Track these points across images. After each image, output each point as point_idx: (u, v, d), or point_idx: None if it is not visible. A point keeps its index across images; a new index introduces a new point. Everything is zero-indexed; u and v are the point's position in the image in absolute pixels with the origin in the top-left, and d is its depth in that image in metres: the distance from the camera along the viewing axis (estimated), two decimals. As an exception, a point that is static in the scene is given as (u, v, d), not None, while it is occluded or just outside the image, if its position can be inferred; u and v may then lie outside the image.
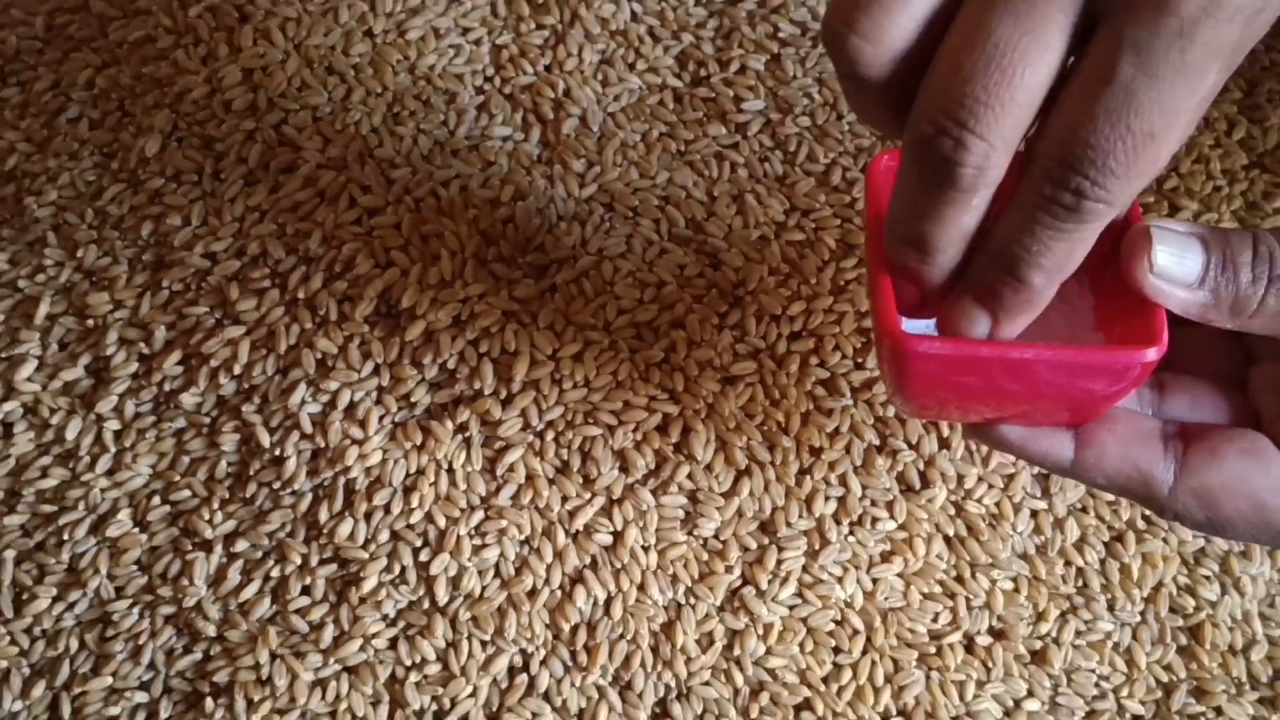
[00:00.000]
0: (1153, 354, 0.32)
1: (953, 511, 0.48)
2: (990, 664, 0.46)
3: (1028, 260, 0.30)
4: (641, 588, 0.46)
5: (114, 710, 0.45)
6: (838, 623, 0.46)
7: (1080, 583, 0.48)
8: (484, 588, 0.46)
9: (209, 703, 0.44)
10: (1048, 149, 0.28)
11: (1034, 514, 0.48)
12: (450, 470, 0.47)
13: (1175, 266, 0.31)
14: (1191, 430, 0.35)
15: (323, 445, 0.47)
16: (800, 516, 0.47)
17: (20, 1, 0.56)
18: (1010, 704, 0.46)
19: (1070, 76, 0.28)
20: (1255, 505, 0.34)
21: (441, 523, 0.46)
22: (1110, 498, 0.48)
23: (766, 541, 0.47)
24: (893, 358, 0.33)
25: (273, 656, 0.45)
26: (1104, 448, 0.35)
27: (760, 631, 0.46)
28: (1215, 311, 0.32)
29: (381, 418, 0.48)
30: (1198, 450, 0.34)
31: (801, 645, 0.46)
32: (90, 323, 0.50)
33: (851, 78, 0.29)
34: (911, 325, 0.34)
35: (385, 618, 0.45)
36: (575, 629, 0.45)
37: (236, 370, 0.48)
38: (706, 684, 0.45)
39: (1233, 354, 0.37)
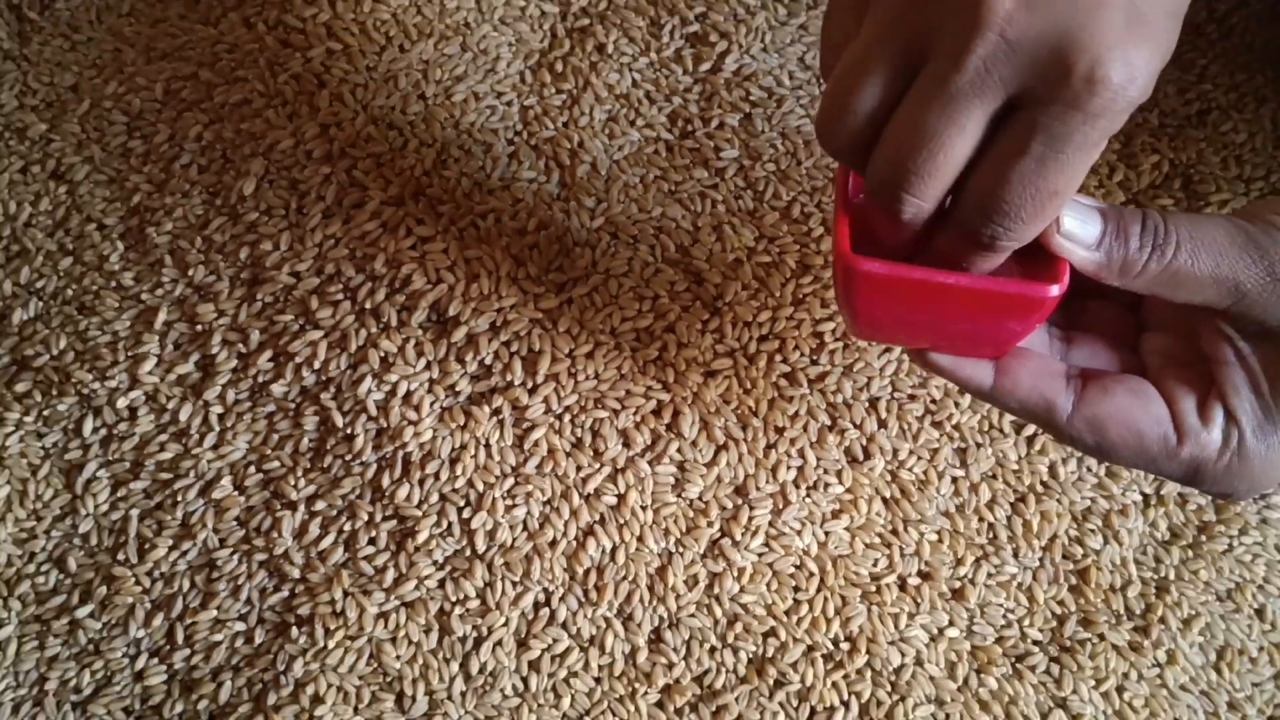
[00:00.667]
0: (1055, 290, 0.31)
1: (889, 478, 0.48)
2: (919, 600, 0.46)
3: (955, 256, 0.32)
4: (640, 539, 0.46)
5: (218, 637, 0.45)
6: (797, 567, 0.46)
7: (991, 535, 0.48)
8: (514, 539, 0.46)
9: (294, 631, 0.44)
10: (970, 201, 0.29)
11: (954, 480, 0.48)
12: (487, 445, 0.47)
13: (1079, 230, 0.31)
14: (1090, 373, 0.35)
15: (385, 425, 0.47)
16: (767, 482, 0.47)
17: (143, 71, 0.56)
18: (935, 631, 0.46)
19: (989, 148, 0.29)
20: (1135, 434, 0.33)
21: (480, 487, 0.46)
22: (1014, 466, 0.48)
23: (740, 502, 0.47)
24: (843, 278, 0.33)
25: (345, 594, 0.45)
26: (1017, 377, 0.34)
27: (735, 574, 0.46)
28: (1107, 270, 0.32)
29: (432, 404, 0.47)
30: (1093, 387, 0.34)
31: (768, 585, 0.46)
32: (199, 327, 0.49)
33: (830, 147, 0.31)
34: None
35: (435, 563, 0.45)
36: (587, 572, 0.45)
37: (316, 365, 0.48)
38: (692, 615, 0.45)
39: (1129, 323, 0.37)
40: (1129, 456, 0.34)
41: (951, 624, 0.46)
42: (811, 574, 0.46)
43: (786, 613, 0.45)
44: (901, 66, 0.29)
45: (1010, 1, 0.27)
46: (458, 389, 0.48)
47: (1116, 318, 0.37)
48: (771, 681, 0.44)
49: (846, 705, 0.44)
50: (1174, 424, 0.33)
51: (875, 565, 0.47)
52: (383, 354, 0.48)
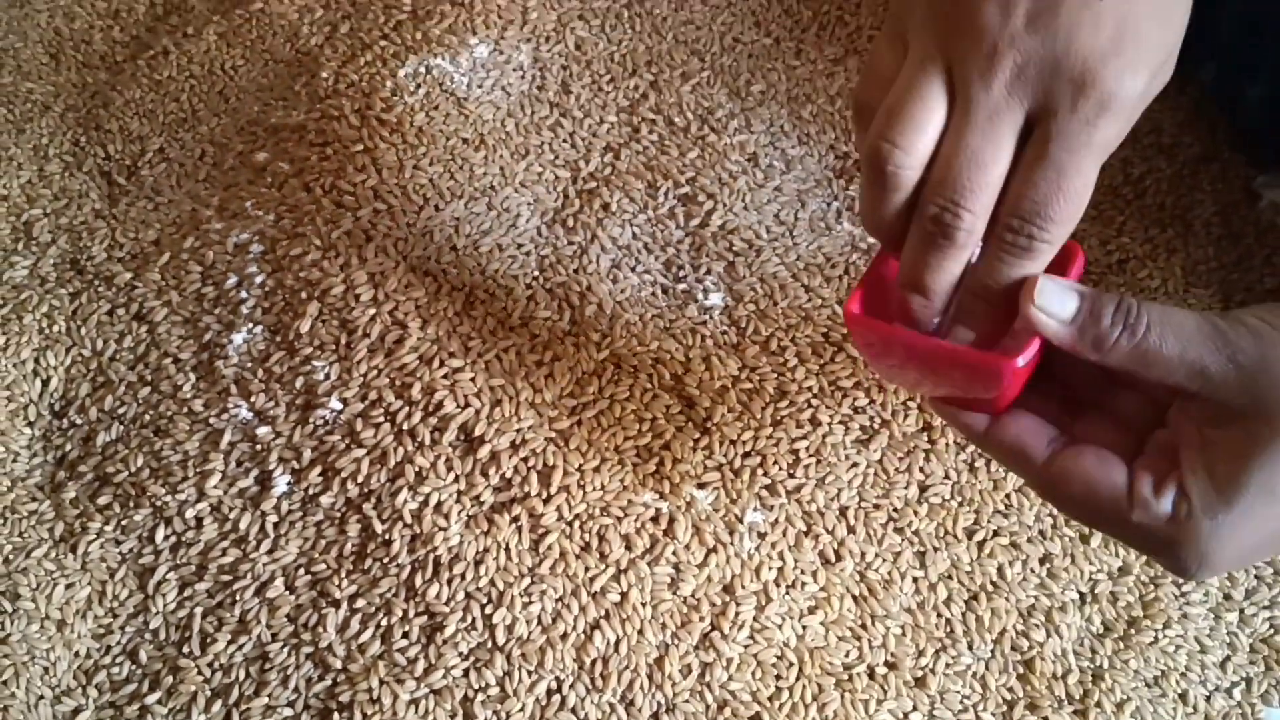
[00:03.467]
0: (1021, 361, 0.32)
1: (858, 578, 0.49)
2: (886, 687, 0.47)
3: (995, 287, 0.33)
4: (640, 632, 0.47)
5: None
6: (779, 657, 0.47)
7: (948, 629, 0.48)
8: (530, 632, 0.46)
9: (336, 716, 0.45)
10: (1009, 210, 0.32)
11: (915, 580, 0.49)
12: (507, 549, 0.48)
13: (1056, 306, 0.32)
14: (1070, 441, 0.35)
15: (418, 532, 0.48)
16: (751, 581, 0.48)
17: (216, 228, 0.59)
18: (901, 716, 0.46)
19: (1019, 161, 0.32)
20: (1092, 493, 0.33)
21: (500, 586, 0.47)
22: (968, 568, 0.49)
23: (728, 599, 0.48)
24: (850, 329, 0.35)
25: (381, 682, 0.45)
26: (1006, 428, 0.35)
27: (724, 663, 0.46)
28: (1080, 344, 0.32)
29: (460, 512, 0.49)
30: (1068, 449, 0.34)
31: (753, 673, 0.46)
32: (258, 447, 0.51)
33: (882, 179, 0.32)
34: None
35: (460, 654, 0.46)
36: (594, 662, 0.46)
37: (359, 479, 0.50)
38: (687, 701, 0.46)
39: (1126, 439, 0.35)
40: (1084, 513, 0.34)
41: (915, 709, 0.46)
42: (791, 664, 0.47)
43: (770, 698, 0.46)
44: (940, 97, 0.32)
45: (1016, 26, 0.30)
46: (482, 499, 0.49)
47: (1111, 430, 0.35)
48: None
49: (824, 783, 0.45)
50: (1129, 490, 0.33)
51: (847, 656, 0.47)
52: (417, 469, 0.50)
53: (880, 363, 0.36)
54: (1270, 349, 0.30)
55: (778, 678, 0.47)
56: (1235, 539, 0.31)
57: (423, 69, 0.66)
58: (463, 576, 0.48)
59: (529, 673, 0.46)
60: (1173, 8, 0.32)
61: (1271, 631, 0.50)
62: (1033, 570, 0.51)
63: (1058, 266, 0.34)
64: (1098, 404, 0.36)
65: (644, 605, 0.47)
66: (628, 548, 0.49)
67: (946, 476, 0.52)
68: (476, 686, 0.46)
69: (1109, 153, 0.32)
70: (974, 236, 0.32)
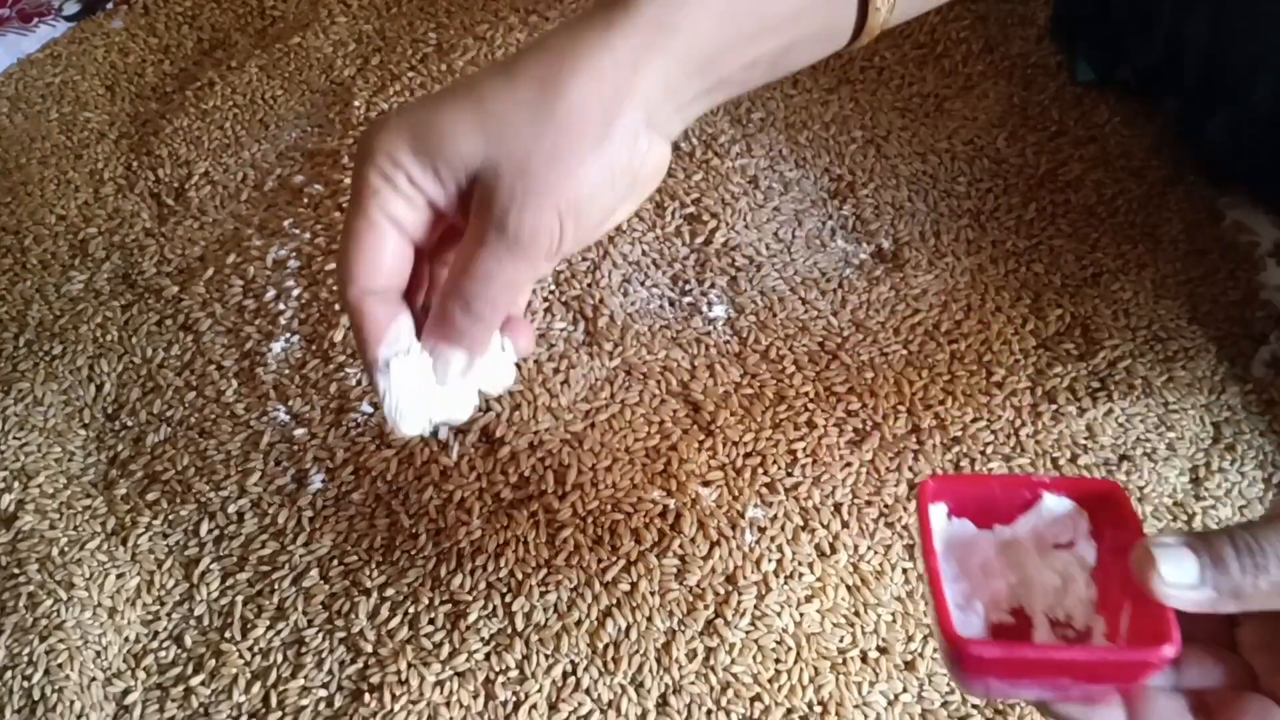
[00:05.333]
0: (1169, 651, 0.27)
1: (852, 569, 0.49)
2: (878, 670, 0.46)
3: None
4: (649, 619, 0.47)
5: (305, 702, 0.45)
6: (778, 643, 0.46)
7: None
8: (546, 619, 0.46)
9: (367, 697, 0.45)
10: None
11: (904, 570, 0.49)
12: (525, 542, 0.48)
13: (1177, 573, 0.27)
14: (1209, 701, 0.29)
15: (443, 526, 0.48)
16: (752, 572, 0.48)
17: (256, 245, 0.60)
18: (892, 697, 0.46)
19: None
20: None
21: (519, 576, 0.47)
22: None
23: (731, 589, 0.47)
24: (951, 655, 0.28)
25: (409, 665, 0.45)
26: None
27: (727, 648, 0.46)
28: (1220, 603, 0.27)
29: (481, 508, 0.49)
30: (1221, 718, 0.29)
31: (754, 657, 0.46)
32: (295, 448, 0.51)
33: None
34: (963, 621, 0.30)
35: (482, 639, 0.46)
36: (606, 646, 0.46)
37: (388, 477, 0.50)
38: (692, 683, 0.45)
39: (1218, 620, 0.30)
40: None
41: (905, 690, 0.46)
42: (790, 648, 0.46)
43: (769, 680, 0.46)
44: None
45: None
46: (502, 496, 0.50)
47: (1201, 618, 0.29)
48: None
49: (820, 760, 0.44)
50: None
51: (841, 641, 0.47)
52: (442, 468, 0.50)
53: (990, 683, 0.29)
54: None
55: (777, 661, 0.46)
56: None
57: (447, 99, 0.67)
58: (484, 567, 0.48)
59: (546, 656, 0.46)
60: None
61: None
62: (1014, 562, 0.50)
63: (1107, 513, 0.30)
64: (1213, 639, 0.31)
65: (652, 594, 0.47)
66: (637, 541, 0.49)
67: (934, 474, 0.52)
68: (497, 669, 0.46)
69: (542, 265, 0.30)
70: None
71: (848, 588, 0.49)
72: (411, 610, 0.47)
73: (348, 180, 0.62)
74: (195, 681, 0.47)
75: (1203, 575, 0.27)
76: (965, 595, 0.31)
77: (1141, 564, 0.27)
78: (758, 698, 0.46)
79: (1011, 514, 0.32)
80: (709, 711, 0.45)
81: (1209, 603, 0.27)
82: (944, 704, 0.47)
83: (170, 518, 0.51)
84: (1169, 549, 0.27)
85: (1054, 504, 0.32)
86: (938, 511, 0.32)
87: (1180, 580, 0.27)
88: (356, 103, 0.68)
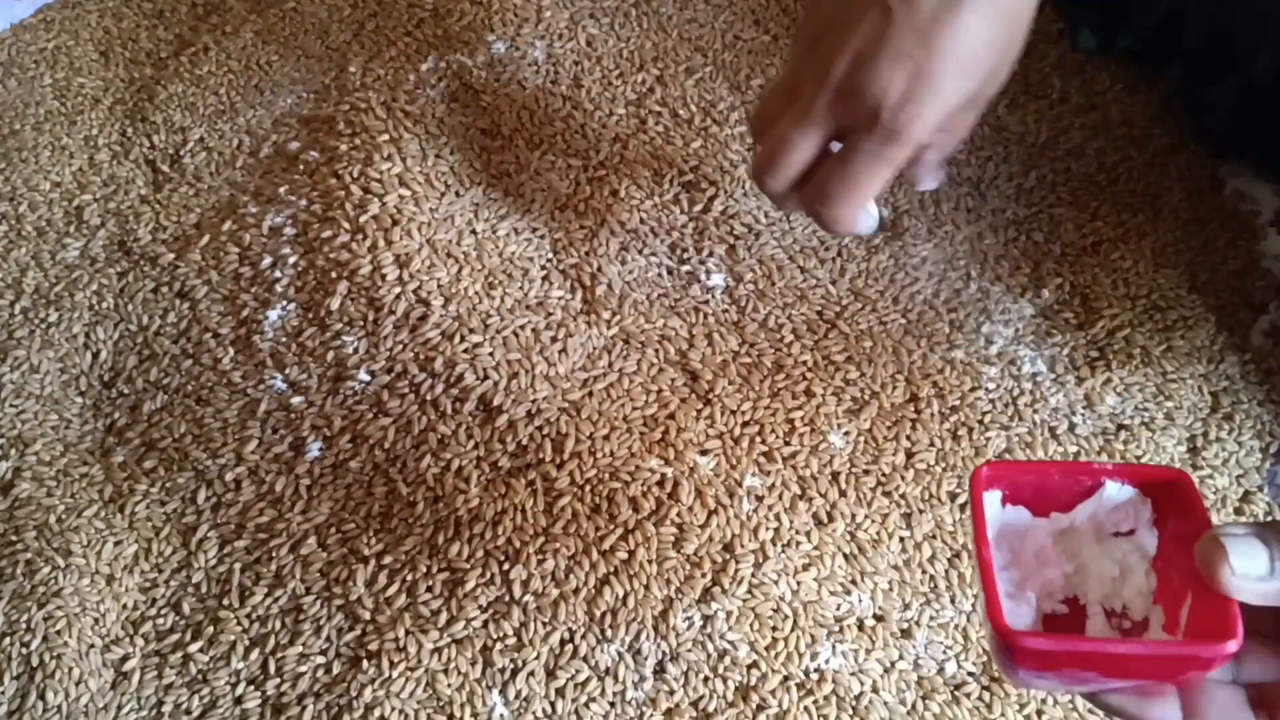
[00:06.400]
0: (1232, 645, 0.26)
1: (849, 538, 0.48)
2: (874, 638, 0.46)
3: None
4: (647, 587, 0.46)
5: (303, 669, 0.45)
6: (775, 611, 0.46)
7: (932, 585, 0.47)
8: (544, 587, 0.46)
9: (365, 664, 0.45)
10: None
11: (901, 539, 0.48)
12: (522, 510, 0.47)
13: (1249, 565, 0.26)
14: (1270, 695, 0.28)
15: (440, 494, 0.48)
16: (750, 541, 0.47)
17: (252, 212, 0.58)
18: (888, 664, 0.46)
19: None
20: None
21: (517, 544, 0.46)
22: (950, 528, 0.48)
23: (728, 557, 0.47)
24: (1000, 648, 0.27)
25: (407, 632, 0.45)
26: (1207, 718, 0.28)
27: (724, 616, 0.45)
28: None
29: (479, 476, 0.48)
30: None
31: (751, 625, 0.46)
32: (292, 416, 0.51)
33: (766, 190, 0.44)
34: (1013, 611, 0.29)
35: (480, 607, 0.46)
36: (604, 614, 0.45)
37: (386, 445, 0.49)
38: (689, 651, 0.45)
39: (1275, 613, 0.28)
40: None
41: (901, 658, 0.46)
42: (786, 616, 0.46)
43: (766, 648, 0.45)
44: (822, 136, 0.41)
45: (837, 72, 0.39)
46: (499, 464, 0.49)
47: (1263, 611, 0.28)
48: (754, 706, 0.44)
49: (816, 726, 0.44)
50: None
51: (838, 609, 0.47)
52: (439, 436, 0.49)
53: (1039, 677, 0.28)
54: None
55: (774, 629, 0.46)
56: None
57: (443, 64, 0.65)
58: (482, 535, 0.47)
59: (543, 624, 0.46)
60: (972, 61, 0.37)
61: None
62: (1011, 531, 0.49)
63: (1172, 502, 0.29)
64: None
65: (650, 562, 0.47)
66: (635, 510, 0.48)
67: (931, 444, 0.51)
68: (495, 636, 0.45)
69: (888, 165, 0.39)
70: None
71: (845, 556, 0.48)
72: (409, 578, 0.47)
73: (344, 147, 0.61)
74: (194, 648, 0.46)
75: (1273, 567, 0.26)
76: (1017, 583, 0.30)
77: (1210, 554, 0.26)
78: (754, 665, 0.45)
79: (1071, 501, 0.31)
80: (705, 679, 0.45)
81: (1277, 594, 0.26)
82: (939, 671, 0.46)
83: (168, 485, 0.50)
84: (1239, 539, 0.26)
85: (1115, 491, 0.30)
86: (992, 499, 0.30)
87: (1250, 571, 0.26)
88: (352, 68, 0.67)
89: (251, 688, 0.45)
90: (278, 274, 0.56)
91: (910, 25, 0.36)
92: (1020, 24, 0.38)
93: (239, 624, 0.46)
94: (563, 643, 0.45)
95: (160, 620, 0.47)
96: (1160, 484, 0.30)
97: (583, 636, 0.45)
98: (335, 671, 0.45)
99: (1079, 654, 0.26)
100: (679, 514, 0.48)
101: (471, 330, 0.53)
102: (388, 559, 0.47)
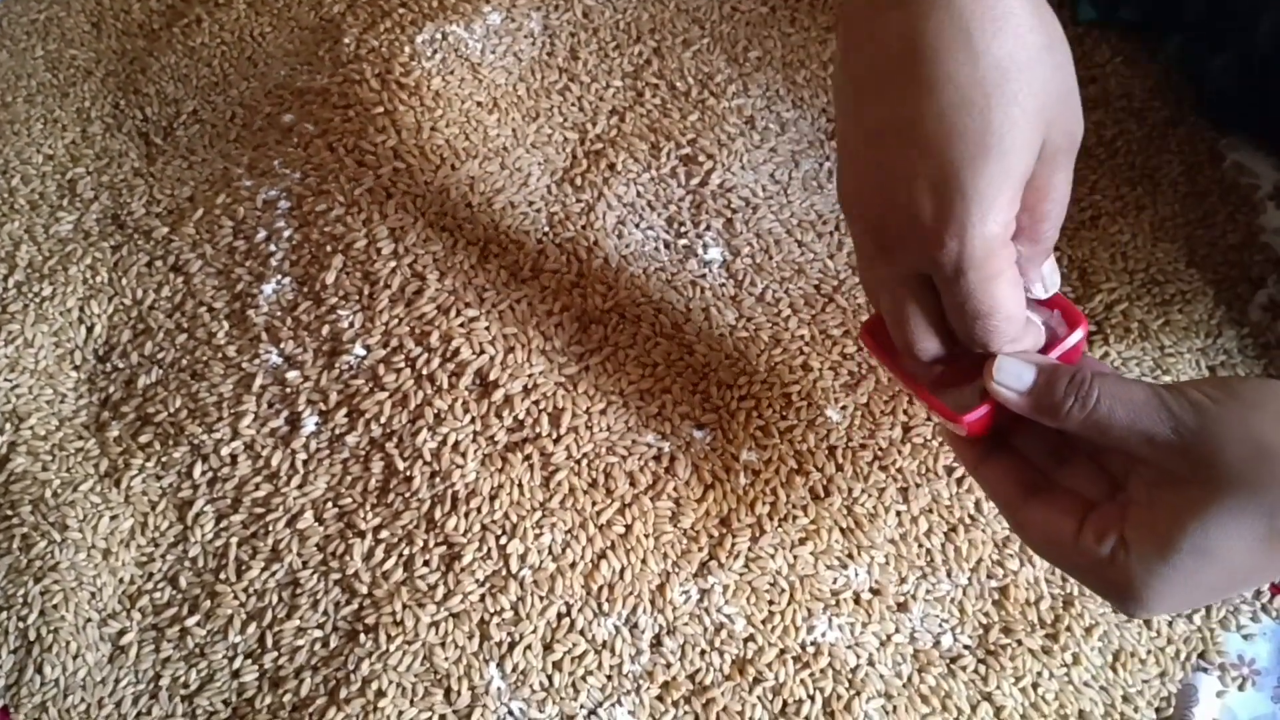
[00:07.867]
0: (967, 420, 0.34)
1: (845, 512, 0.48)
2: (871, 612, 0.46)
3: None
4: (643, 561, 0.46)
5: (300, 642, 0.45)
6: (771, 585, 0.46)
7: (929, 559, 0.47)
8: (541, 561, 0.45)
9: (362, 637, 0.44)
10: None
11: (898, 513, 0.48)
12: (519, 485, 0.47)
13: (1013, 380, 0.33)
14: (1049, 484, 0.35)
15: (437, 469, 0.47)
16: (746, 515, 0.47)
17: (246, 185, 0.57)
18: (884, 638, 0.45)
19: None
20: (1044, 534, 0.34)
21: (514, 519, 0.46)
22: (947, 502, 0.48)
23: (725, 531, 0.47)
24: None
25: (404, 606, 0.45)
26: (987, 474, 0.36)
27: (721, 590, 0.45)
28: (1035, 412, 0.33)
29: (476, 451, 0.48)
30: (1033, 499, 0.35)
31: (748, 599, 0.45)
32: (288, 390, 0.50)
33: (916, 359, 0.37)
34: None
35: (477, 581, 0.45)
36: (601, 588, 0.45)
37: (382, 420, 0.48)
38: (686, 624, 0.45)
39: (1103, 481, 0.35)
40: (1043, 553, 0.35)
41: (897, 631, 0.46)
42: (783, 590, 0.46)
43: (763, 622, 0.45)
44: (923, 291, 0.35)
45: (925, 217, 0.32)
46: (496, 439, 0.48)
47: (1089, 479, 0.35)
48: (751, 679, 0.44)
49: (812, 699, 0.44)
50: (1075, 537, 0.33)
51: (835, 583, 0.46)
52: (436, 411, 0.48)
53: (892, 370, 0.39)
54: (1210, 423, 0.30)
55: (770, 603, 0.46)
56: (1170, 589, 0.31)
57: (439, 35, 0.64)
58: (479, 510, 0.47)
59: (540, 598, 0.45)
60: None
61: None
62: (1007, 505, 0.49)
63: (1064, 325, 0.36)
64: (1087, 454, 0.36)
65: (647, 537, 0.46)
66: (632, 484, 0.48)
67: (928, 418, 0.50)
68: (492, 610, 0.45)
69: (1002, 278, 0.33)
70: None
71: (841, 530, 0.48)
72: (406, 552, 0.46)
73: (338, 119, 0.59)
74: (190, 622, 0.46)
75: (1032, 386, 0.33)
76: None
77: (989, 365, 0.34)
78: (751, 639, 0.45)
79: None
80: (702, 652, 0.45)
81: (1027, 408, 0.33)
82: (935, 644, 0.46)
83: (163, 460, 0.49)
84: (1016, 362, 0.33)
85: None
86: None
87: (1010, 384, 0.33)
88: (346, 40, 0.65)
89: (249, 661, 0.45)
90: (272, 247, 0.55)
91: (878, 134, 0.33)
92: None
93: (236, 598, 0.46)
94: (560, 616, 0.45)
95: (157, 594, 0.46)
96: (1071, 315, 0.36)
97: (580, 610, 0.45)
98: (333, 645, 0.45)
99: (891, 369, 0.39)
100: (675, 488, 0.47)
101: (467, 304, 0.52)
102: (385, 534, 0.47)
